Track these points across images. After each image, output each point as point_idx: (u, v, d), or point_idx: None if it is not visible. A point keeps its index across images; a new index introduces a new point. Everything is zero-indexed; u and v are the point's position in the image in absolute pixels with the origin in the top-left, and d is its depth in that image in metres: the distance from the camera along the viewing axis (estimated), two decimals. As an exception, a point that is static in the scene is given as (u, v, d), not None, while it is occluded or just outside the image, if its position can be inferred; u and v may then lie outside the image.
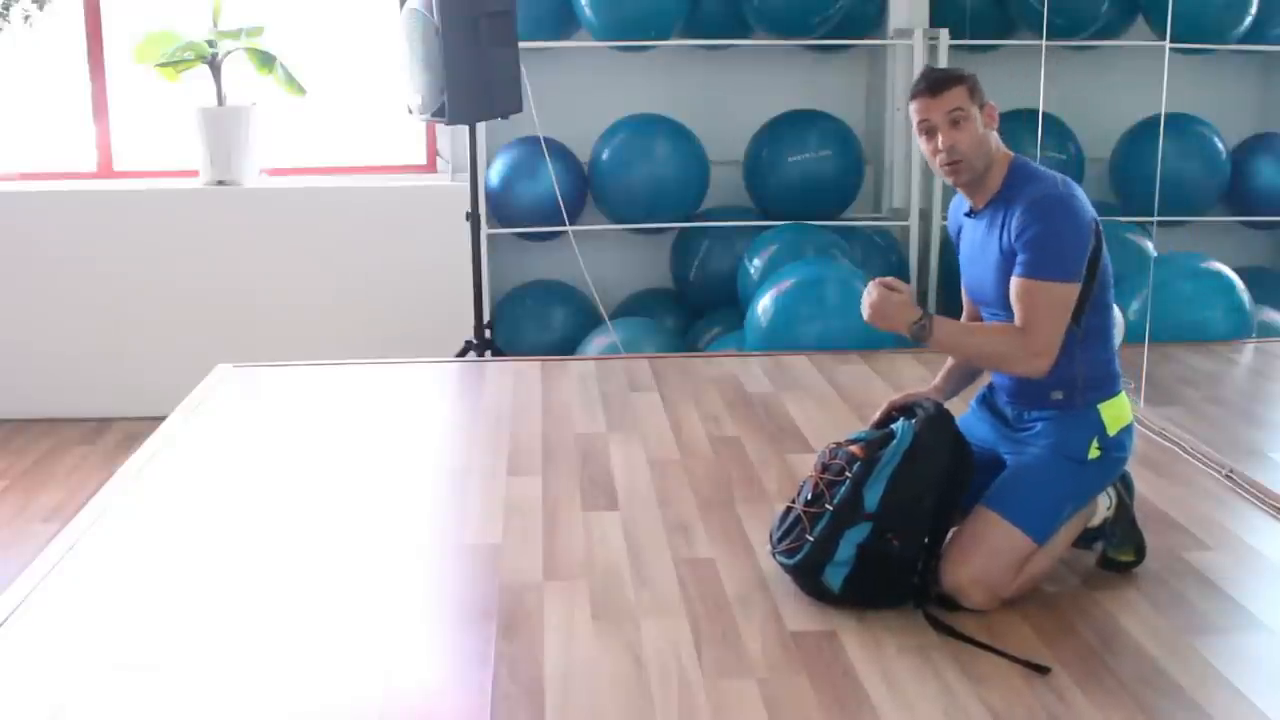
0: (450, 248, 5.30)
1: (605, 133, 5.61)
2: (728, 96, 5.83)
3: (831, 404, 4.10)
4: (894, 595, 2.65)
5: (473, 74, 4.64)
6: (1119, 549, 2.83)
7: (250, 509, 3.31)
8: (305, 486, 3.47)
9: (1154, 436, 3.68)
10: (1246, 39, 5.38)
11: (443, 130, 5.71)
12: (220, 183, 5.60)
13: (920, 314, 2.66)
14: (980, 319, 2.90)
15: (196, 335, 5.52)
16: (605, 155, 5.58)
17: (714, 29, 5.64)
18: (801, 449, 3.64)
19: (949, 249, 5.58)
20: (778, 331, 4.80)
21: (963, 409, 2.94)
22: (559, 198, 5.33)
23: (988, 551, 2.63)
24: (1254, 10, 5.30)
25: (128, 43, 5.55)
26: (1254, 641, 2.58)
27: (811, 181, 5.54)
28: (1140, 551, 2.84)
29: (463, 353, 4.98)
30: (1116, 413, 2.74)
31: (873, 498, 2.62)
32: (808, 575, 2.68)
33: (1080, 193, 2.69)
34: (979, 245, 2.77)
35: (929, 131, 2.71)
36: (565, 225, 5.36)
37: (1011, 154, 2.76)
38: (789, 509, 2.76)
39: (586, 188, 5.69)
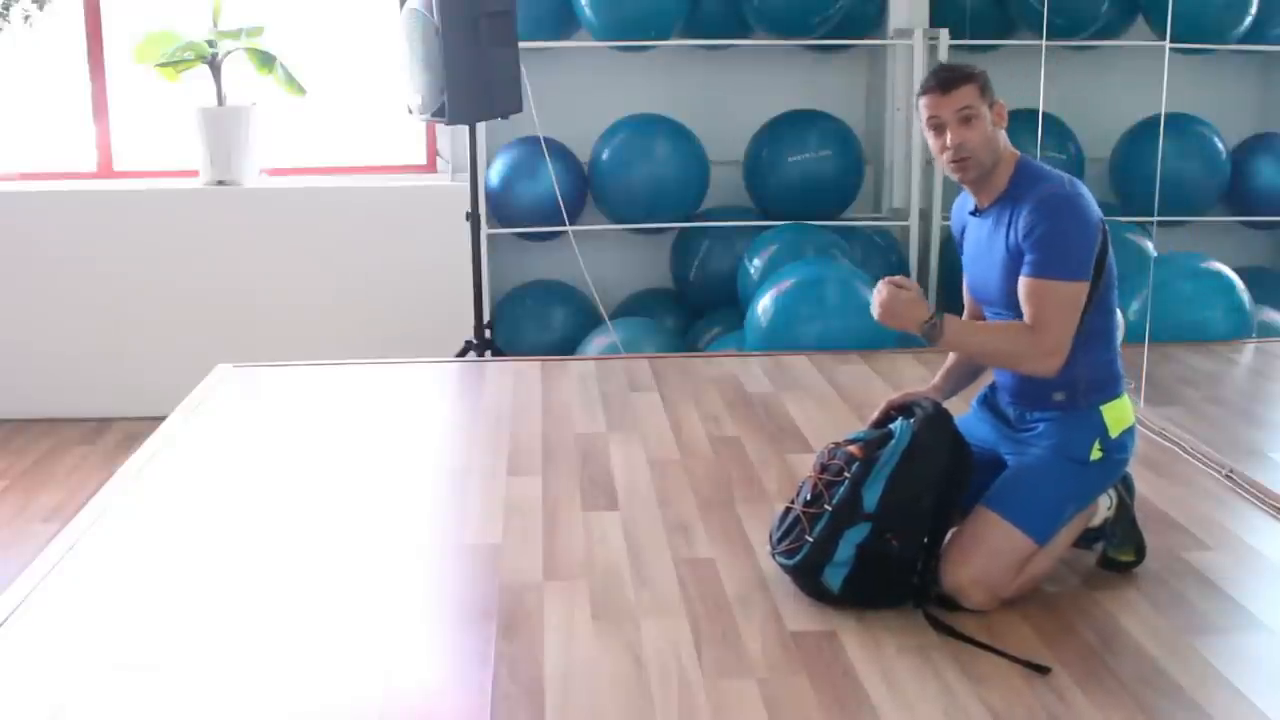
0: (450, 248, 5.30)
1: (605, 133, 5.61)
2: (728, 96, 5.83)
3: (831, 404, 4.10)
4: (894, 595, 2.65)
5: (473, 74, 4.64)
6: (1119, 549, 2.83)
7: (250, 509, 3.31)
8: (305, 487, 3.47)
9: (1154, 436, 3.68)
10: (1246, 39, 5.38)
11: (443, 130, 5.72)
12: (220, 183, 5.60)
13: (931, 313, 2.66)
14: (983, 318, 2.90)
15: (196, 335, 5.52)
16: (605, 155, 5.58)
17: (714, 29, 5.64)
18: (801, 449, 3.64)
19: (949, 249, 5.60)
20: (778, 331, 4.80)
21: (961, 409, 2.94)
22: (559, 198, 5.33)
23: (988, 552, 2.63)
24: (1254, 10, 5.30)
25: (128, 43, 5.55)
26: (1254, 641, 2.58)
27: (811, 181, 5.54)
28: (1140, 551, 2.84)
29: (463, 353, 4.98)
30: (1119, 414, 2.74)
31: (871, 498, 2.62)
32: (807, 576, 2.68)
33: (1087, 192, 2.69)
34: (984, 244, 2.77)
35: (938, 128, 2.71)
36: (565, 225, 5.36)
37: (1018, 153, 2.76)
38: (788, 509, 2.76)
39: (586, 188, 5.69)
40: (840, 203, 5.66)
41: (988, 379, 2.98)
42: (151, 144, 5.84)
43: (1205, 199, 5.58)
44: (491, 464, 3.58)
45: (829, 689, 2.37)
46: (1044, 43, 4.81)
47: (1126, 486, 2.86)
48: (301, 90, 5.59)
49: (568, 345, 5.44)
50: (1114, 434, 2.73)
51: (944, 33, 5.41)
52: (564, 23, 5.58)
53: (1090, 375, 2.71)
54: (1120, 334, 2.85)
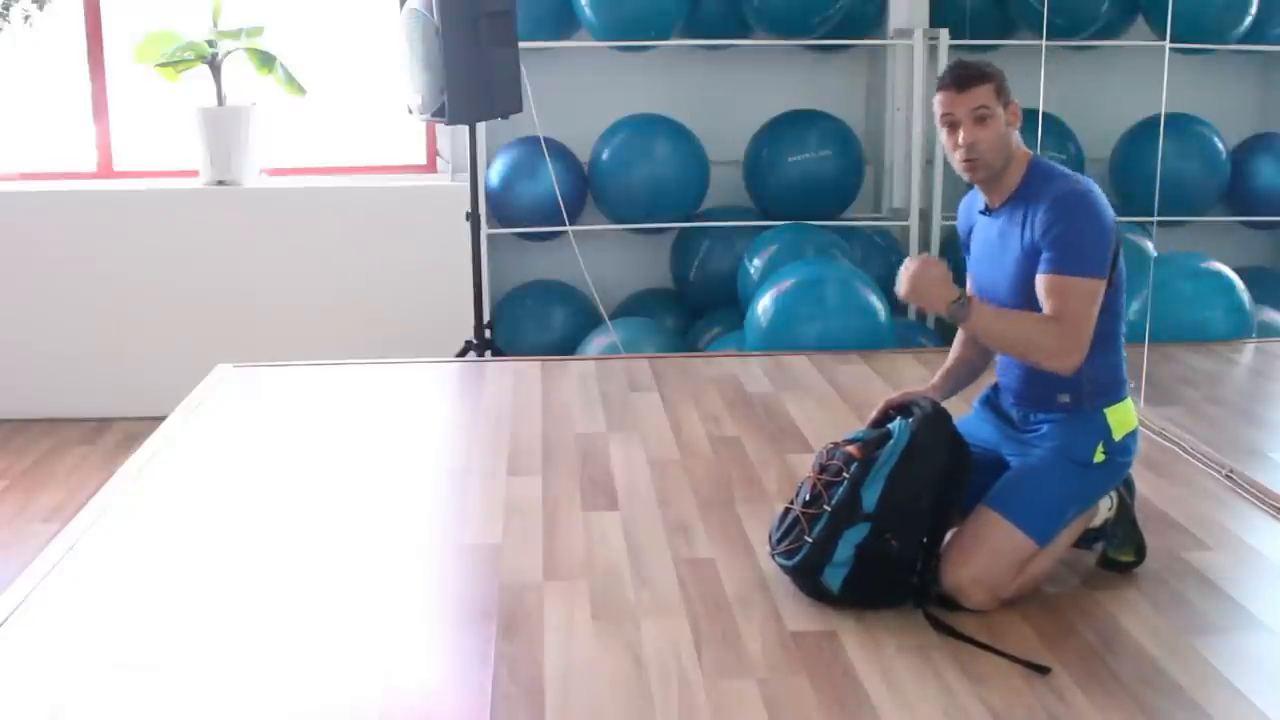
0: (450, 248, 5.30)
1: (605, 133, 5.61)
2: (728, 96, 5.83)
3: (831, 404, 4.10)
4: (893, 595, 2.65)
5: (473, 74, 4.64)
6: (1119, 549, 2.83)
7: (250, 509, 3.31)
8: (305, 487, 3.47)
9: (1154, 436, 3.67)
10: (1246, 39, 5.39)
11: (443, 130, 5.72)
12: (220, 183, 5.60)
13: (959, 293, 2.63)
14: None
15: (196, 335, 5.52)
16: (605, 155, 5.58)
17: (714, 29, 5.64)
18: (801, 449, 3.64)
19: (949, 249, 5.59)
20: (778, 331, 4.80)
21: (960, 408, 2.93)
22: (559, 198, 5.33)
23: (989, 552, 2.63)
24: (1254, 10, 5.30)
25: (128, 43, 5.55)
26: (1254, 641, 2.58)
27: (811, 181, 5.54)
28: (1141, 552, 2.84)
29: (463, 353, 4.98)
30: (1122, 417, 2.74)
31: (870, 498, 2.62)
32: (807, 576, 2.68)
33: (1100, 192, 2.69)
34: (994, 244, 2.75)
35: (952, 126, 2.70)
36: (565, 225, 5.36)
37: (1030, 153, 2.75)
38: (787, 510, 2.76)
39: (586, 188, 5.69)
40: (840, 203, 5.66)
41: (987, 379, 2.98)
42: (151, 144, 5.84)
43: (1205, 199, 5.58)
44: (491, 464, 3.58)
45: (829, 689, 2.37)
46: (1044, 43, 4.81)
47: (1127, 487, 2.86)
48: (301, 90, 5.59)
49: (568, 345, 5.44)
50: (1117, 437, 2.72)
51: (944, 33, 5.41)
52: (564, 23, 5.58)
53: (1096, 377, 2.71)
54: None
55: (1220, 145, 5.54)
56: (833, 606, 2.65)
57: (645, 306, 5.76)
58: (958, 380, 2.97)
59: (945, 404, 2.79)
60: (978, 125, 2.67)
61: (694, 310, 5.74)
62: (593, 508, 3.25)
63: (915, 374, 4.25)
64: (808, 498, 2.70)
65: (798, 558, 2.67)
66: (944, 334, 5.24)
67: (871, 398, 2.98)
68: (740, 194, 5.76)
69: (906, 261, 2.70)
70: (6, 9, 5.43)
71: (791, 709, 2.31)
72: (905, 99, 5.58)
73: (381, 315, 5.59)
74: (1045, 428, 2.76)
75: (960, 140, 2.68)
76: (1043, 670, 2.41)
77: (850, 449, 2.69)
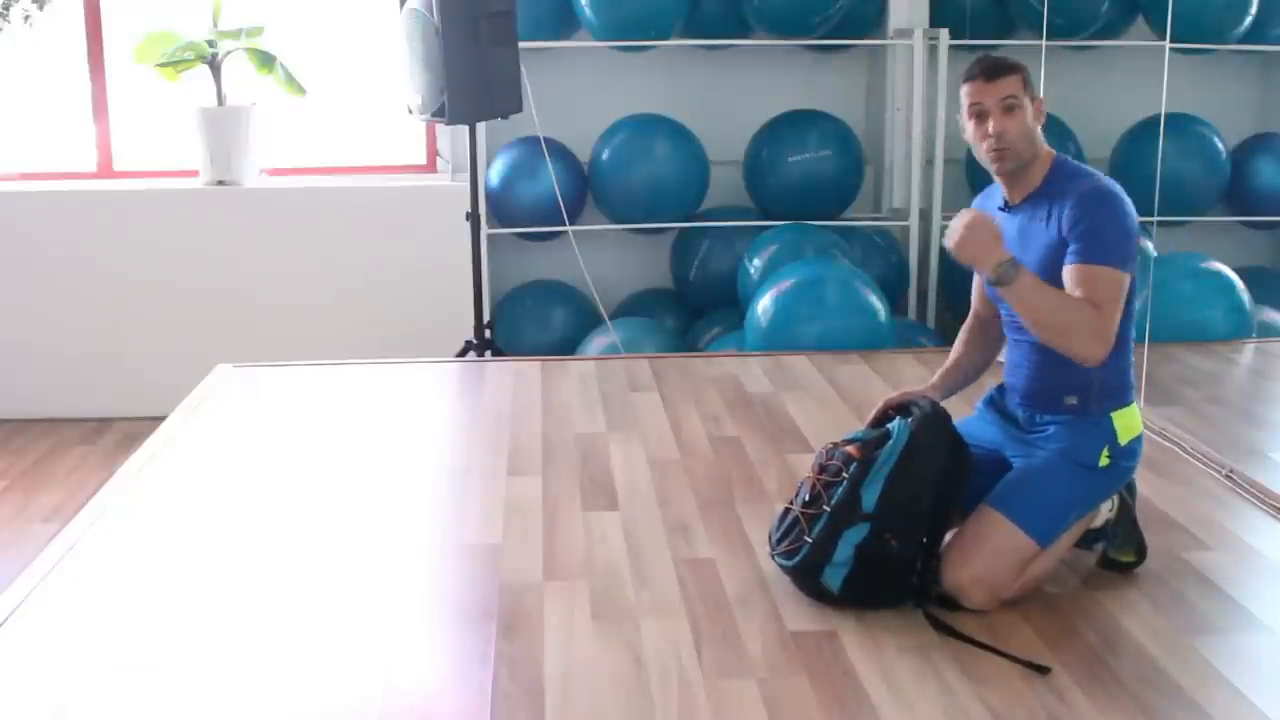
0: (450, 248, 5.30)
1: (605, 133, 5.61)
2: (728, 96, 5.83)
3: (831, 404, 4.10)
4: (893, 595, 2.65)
5: (473, 74, 4.64)
6: (1120, 549, 2.83)
7: (250, 509, 3.31)
8: (305, 487, 3.47)
9: (1154, 436, 3.67)
10: (1246, 39, 5.38)
11: (443, 130, 5.72)
12: (220, 183, 5.60)
13: (1010, 254, 2.60)
14: (995, 318, 2.89)
15: (196, 335, 5.52)
16: (605, 155, 5.58)
17: (714, 29, 5.64)
18: (801, 449, 3.64)
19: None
20: (778, 331, 4.80)
21: (959, 408, 2.93)
22: (559, 198, 5.33)
23: (991, 552, 2.63)
24: (1254, 10, 5.30)
25: (128, 43, 5.55)
26: (1254, 641, 2.58)
27: (811, 181, 5.54)
28: (1141, 552, 2.84)
29: (463, 353, 4.98)
30: (1128, 422, 2.74)
31: (870, 498, 2.62)
32: (807, 576, 2.68)
33: (1125, 193, 2.69)
34: (1013, 241, 2.72)
35: (980, 115, 2.69)
36: (565, 225, 5.36)
37: (1054, 152, 2.75)
38: (787, 510, 2.76)
39: (586, 188, 5.69)
40: (840, 203, 5.66)
41: (988, 380, 2.98)
42: (151, 144, 5.84)
43: (1205, 199, 5.58)
44: (491, 464, 3.58)
45: (829, 689, 2.37)
46: (1044, 43, 4.81)
47: (1128, 488, 2.86)
48: (301, 90, 5.59)
49: (568, 345, 5.43)
50: (1123, 441, 2.72)
51: (944, 33, 5.41)
52: (564, 23, 5.58)
53: (1105, 379, 2.70)
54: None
55: (1220, 145, 5.54)
56: (833, 606, 2.65)
57: (645, 306, 5.76)
58: (957, 380, 2.97)
59: (944, 404, 2.79)
60: (1006, 115, 2.67)
61: (694, 310, 5.74)
62: (593, 508, 3.25)
63: (915, 374, 4.25)
64: (807, 498, 2.70)
65: (797, 558, 2.67)
66: (944, 334, 5.25)
67: (871, 398, 2.98)
68: (740, 194, 5.76)
69: (962, 212, 2.65)
70: (6, 9, 5.43)
71: (791, 709, 2.31)
72: (905, 99, 5.58)
73: (381, 315, 5.59)
74: (1051, 429, 2.75)
75: (989, 129, 2.67)
76: (1043, 670, 2.41)
77: (849, 449, 2.69)
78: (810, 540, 2.64)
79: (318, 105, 5.74)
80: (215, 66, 5.55)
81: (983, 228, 2.60)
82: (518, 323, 5.63)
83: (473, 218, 5.02)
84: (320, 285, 5.61)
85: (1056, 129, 5.38)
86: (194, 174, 5.65)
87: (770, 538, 2.78)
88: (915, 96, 5.49)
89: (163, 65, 5.48)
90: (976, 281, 2.97)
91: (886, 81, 5.70)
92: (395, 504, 3.34)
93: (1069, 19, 5.35)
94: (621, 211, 5.64)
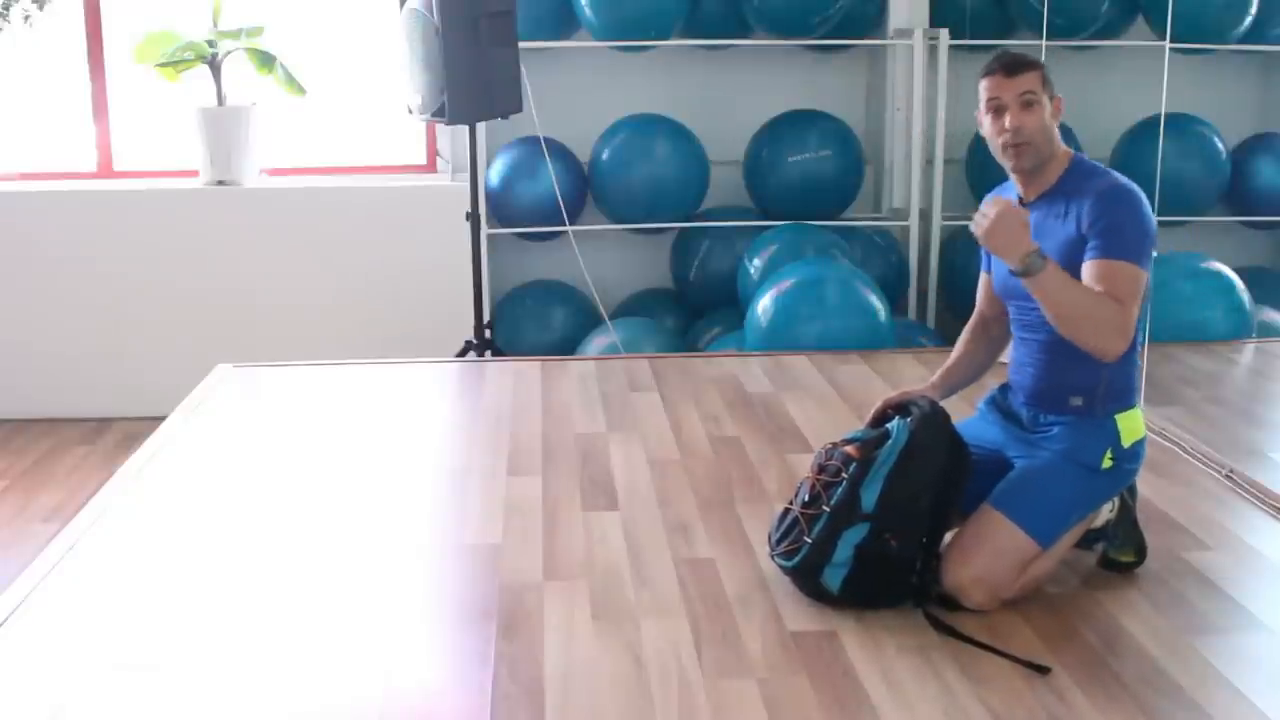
0: (450, 248, 5.30)
1: (605, 133, 5.61)
2: (728, 96, 5.83)
3: (831, 404, 4.10)
4: (893, 595, 2.65)
5: (473, 74, 4.64)
6: (1120, 550, 2.83)
7: (250, 509, 3.31)
8: (305, 487, 3.47)
9: (1154, 436, 3.67)
10: (1246, 39, 5.38)
11: (443, 130, 5.72)
12: (220, 183, 5.60)
13: (1036, 245, 2.57)
14: (1003, 317, 2.88)
15: (196, 335, 5.52)
16: (605, 155, 5.58)
17: (714, 29, 5.63)
18: (801, 449, 3.64)
19: (949, 249, 5.61)
20: (778, 331, 4.80)
21: (959, 408, 2.93)
22: (559, 198, 5.33)
23: (991, 552, 2.63)
24: (1254, 10, 5.29)
25: (128, 43, 5.55)
26: (1254, 641, 2.58)
27: (811, 181, 5.54)
28: (1141, 552, 2.84)
29: (463, 353, 4.98)
30: (1132, 425, 2.73)
31: (869, 498, 2.62)
32: (806, 577, 2.68)
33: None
34: None
35: (997, 110, 2.69)
36: (565, 225, 5.36)
37: (1072, 151, 2.75)
38: (786, 510, 2.76)
39: (586, 188, 5.69)
40: (840, 203, 5.66)
41: (989, 381, 2.98)
42: (151, 144, 5.84)
43: (1205, 199, 5.58)
44: (491, 464, 3.58)
45: (829, 689, 2.37)
46: (1044, 42, 4.81)
47: (1129, 488, 2.86)
48: (301, 90, 5.59)
49: (568, 345, 5.43)
50: (1126, 444, 2.72)
51: (944, 33, 5.41)
52: (564, 23, 5.58)
53: (1112, 381, 2.70)
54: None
55: (1220, 145, 5.54)
56: (833, 607, 2.65)
57: (645, 306, 5.76)
58: (958, 379, 2.97)
59: (944, 404, 2.79)
60: (1024, 110, 2.66)
61: (694, 310, 5.74)
62: (593, 508, 3.25)
63: (915, 374, 4.24)
64: (807, 498, 2.70)
65: (797, 558, 2.67)
66: (944, 334, 5.25)
67: (871, 398, 2.98)
68: (740, 194, 5.76)
69: (990, 201, 2.62)
70: (6, 9, 5.43)
71: (791, 709, 2.31)
72: (905, 99, 5.58)
73: (381, 315, 5.59)
74: (1055, 430, 2.75)
75: (1007, 124, 2.67)
76: (1043, 670, 2.41)
77: (849, 449, 2.69)
78: (810, 541, 2.64)
79: (318, 105, 5.74)
80: (215, 66, 5.55)
81: (1012, 216, 2.57)
82: (518, 323, 5.63)
83: (473, 218, 5.02)
84: (320, 285, 5.61)
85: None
86: (194, 174, 5.65)
87: (770, 538, 2.78)
88: (915, 96, 5.49)
89: (163, 65, 5.48)
90: (983, 280, 2.96)
91: (886, 81, 5.70)
92: (395, 504, 3.34)
93: (1069, 19, 5.35)
94: (621, 211, 5.64)
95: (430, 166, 5.95)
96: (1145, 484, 3.15)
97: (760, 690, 2.37)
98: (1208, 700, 2.33)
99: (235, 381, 4.43)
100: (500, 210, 5.62)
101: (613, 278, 5.76)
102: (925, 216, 5.61)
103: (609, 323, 5.28)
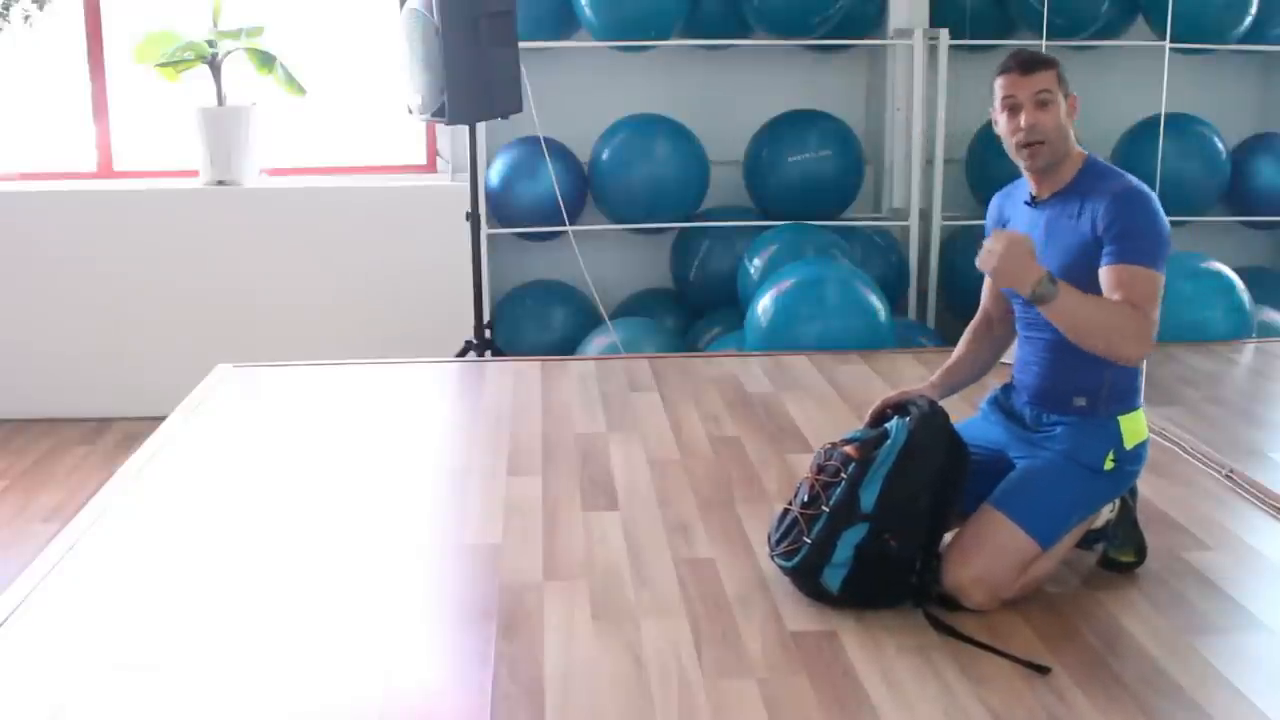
0: (450, 248, 5.31)
1: (605, 133, 5.61)
2: (728, 96, 5.83)
3: (831, 404, 4.10)
4: (893, 595, 2.65)
5: (473, 74, 4.64)
6: (1120, 549, 2.83)
7: (250, 509, 3.31)
8: (305, 487, 3.47)
9: (1154, 436, 3.65)
10: (1246, 39, 5.39)
11: (443, 130, 5.72)
12: (220, 183, 5.60)
13: (1045, 270, 2.55)
14: (1008, 315, 2.88)
15: (196, 335, 5.52)
16: (605, 155, 5.58)
17: (714, 29, 5.64)
18: (801, 449, 3.64)
19: (949, 249, 5.61)
20: (778, 331, 4.80)
21: (958, 408, 2.93)
22: (559, 198, 5.33)
23: (992, 552, 2.63)
24: (1254, 10, 5.30)
25: (128, 43, 5.55)
26: (1254, 641, 2.58)
27: (811, 181, 5.54)
28: (1141, 552, 2.84)
29: (463, 353, 4.98)
30: (1135, 426, 2.73)
31: (869, 498, 2.62)
32: (806, 577, 2.68)
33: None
34: (1039, 235, 2.70)
35: (1012, 109, 2.68)
36: (565, 225, 5.36)
37: (1086, 152, 2.74)
38: (786, 511, 2.76)
39: (586, 188, 5.69)
40: (840, 203, 5.66)
41: (990, 381, 2.98)
42: (151, 144, 5.84)
43: (1205, 199, 5.59)
44: (491, 464, 3.58)
45: (829, 689, 2.37)
46: (1044, 43, 4.81)
47: (1130, 489, 2.86)
48: (301, 90, 5.59)
49: (568, 345, 5.44)
50: (1129, 445, 2.72)
51: (944, 33, 5.41)
52: (564, 23, 5.58)
53: (1116, 382, 2.70)
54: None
55: (1220, 145, 5.55)
56: (832, 607, 2.65)
57: (645, 306, 5.76)
58: (959, 379, 2.97)
59: (944, 404, 2.78)
60: (1039, 109, 2.66)
61: (694, 310, 5.74)
62: (593, 508, 3.25)
63: (915, 374, 4.24)
64: (806, 498, 2.70)
65: (797, 559, 2.67)
66: (944, 334, 5.25)
67: (871, 398, 2.97)
68: (740, 194, 5.76)
69: (994, 236, 2.60)
70: (6, 9, 5.43)
71: (791, 709, 2.31)
72: (905, 99, 5.58)
73: (381, 315, 5.59)
74: (1057, 430, 2.74)
75: (1022, 123, 2.66)
76: (1043, 670, 2.41)
77: (848, 449, 2.69)
78: (809, 541, 2.64)
79: (318, 105, 5.74)
80: (215, 66, 5.55)
81: (1018, 247, 2.55)
82: (518, 323, 5.63)
83: (473, 218, 5.02)
84: (320, 285, 5.61)
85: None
86: (194, 174, 5.65)
87: (769, 538, 2.78)
88: (915, 96, 5.49)
89: (163, 65, 5.48)
90: (988, 279, 2.95)
91: (886, 81, 5.70)
92: (395, 504, 3.34)
93: (1069, 19, 5.35)
94: (621, 211, 5.64)
95: (430, 166, 5.95)
96: (1145, 484, 3.15)
97: (760, 690, 2.37)
98: (1208, 700, 2.33)
99: (235, 381, 4.42)
100: (500, 210, 5.62)
101: (613, 278, 5.76)
102: (925, 216, 5.61)
103: (609, 323, 5.28)
